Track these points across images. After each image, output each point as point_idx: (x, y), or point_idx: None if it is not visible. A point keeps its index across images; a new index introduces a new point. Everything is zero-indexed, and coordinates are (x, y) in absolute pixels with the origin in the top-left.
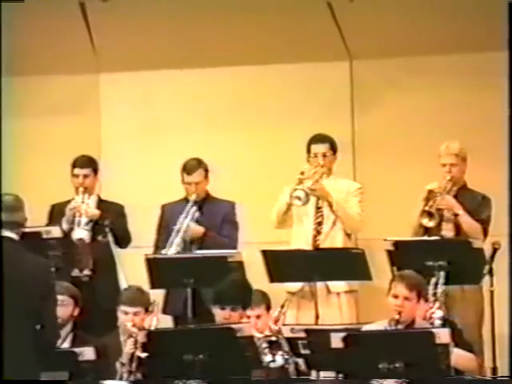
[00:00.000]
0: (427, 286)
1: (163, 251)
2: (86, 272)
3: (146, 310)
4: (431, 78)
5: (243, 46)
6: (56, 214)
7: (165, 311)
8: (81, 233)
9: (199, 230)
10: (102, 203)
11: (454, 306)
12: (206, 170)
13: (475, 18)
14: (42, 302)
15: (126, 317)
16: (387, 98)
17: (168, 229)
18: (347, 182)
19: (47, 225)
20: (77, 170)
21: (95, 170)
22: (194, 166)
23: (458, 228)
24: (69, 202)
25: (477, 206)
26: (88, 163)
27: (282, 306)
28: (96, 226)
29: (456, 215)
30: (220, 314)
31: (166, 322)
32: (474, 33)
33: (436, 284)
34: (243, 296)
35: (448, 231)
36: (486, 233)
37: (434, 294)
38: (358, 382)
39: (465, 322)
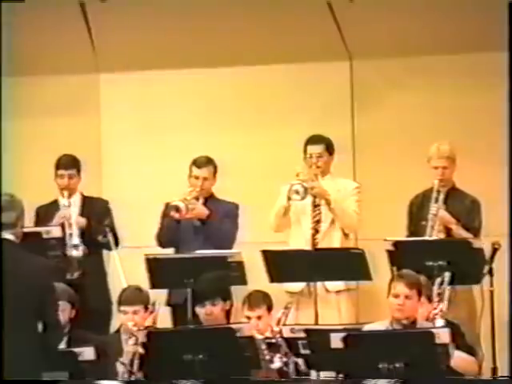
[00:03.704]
0: (431, 286)
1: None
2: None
3: (146, 308)
4: (431, 77)
5: (243, 45)
6: (42, 217)
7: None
8: (77, 252)
9: (204, 211)
10: (86, 200)
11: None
12: (215, 170)
13: (475, 18)
14: (44, 304)
15: (126, 316)
16: (387, 98)
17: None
18: (345, 181)
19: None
20: (61, 171)
21: (79, 170)
22: (204, 161)
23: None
24: (55, 202)
25: (467, 213)
26: (73, 163)
27: (286, 308)
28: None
29: (450, 229)
30: (202, 313)
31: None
32: (473, 33)
33: (441, 284)
34: (218, 288)
35: (439, 233)
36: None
37: (439, 295)
38: (351, 382)
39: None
